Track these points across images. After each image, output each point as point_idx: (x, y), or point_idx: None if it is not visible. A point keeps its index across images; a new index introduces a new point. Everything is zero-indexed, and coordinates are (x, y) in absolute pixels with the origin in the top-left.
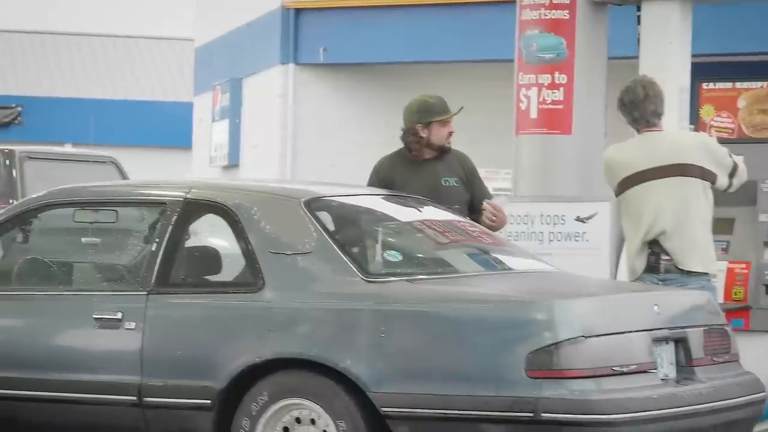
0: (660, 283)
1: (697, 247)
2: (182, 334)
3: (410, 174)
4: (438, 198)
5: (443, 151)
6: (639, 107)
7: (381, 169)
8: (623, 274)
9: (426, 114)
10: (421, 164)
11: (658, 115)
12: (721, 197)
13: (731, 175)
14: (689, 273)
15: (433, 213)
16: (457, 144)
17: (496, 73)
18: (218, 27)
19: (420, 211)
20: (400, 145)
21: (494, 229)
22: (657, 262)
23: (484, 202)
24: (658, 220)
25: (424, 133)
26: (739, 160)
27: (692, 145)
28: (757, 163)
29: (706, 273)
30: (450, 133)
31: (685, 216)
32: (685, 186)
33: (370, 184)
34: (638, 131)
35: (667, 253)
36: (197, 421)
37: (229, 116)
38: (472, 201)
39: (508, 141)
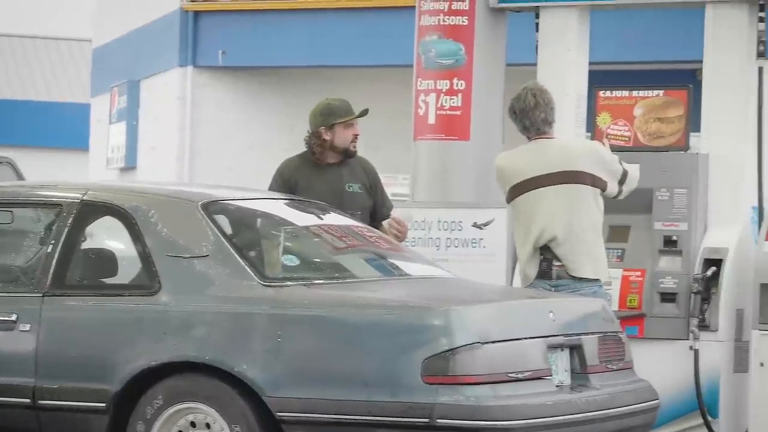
0: (552, 288)
1: (588, 254)
2: (77, 336)
3: (314, 177)
4: (341, 203)
5: (348, 156)
6: (529, 115)
7: (285, 170)
8: (519, 281)
9: (328, 116)
10: (325, 168)
11: (549, 122)
12: (616, 205)
13: (621, 182)
14: (581, 279)
15: (331, 218)
16: (357, 149)
17: (396, 78)
18: (116, 28)
19: (318, 215)
20: (303, 148)
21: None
22: (549, 268)
23: (389, 218)
24: (549, 227)
25: (327, 136)
26: (632, 167)
27: (582, 153)
28: (653, 172)
29: (598, 279)
30: (355, 136)
31: (576, 223)
32: (575, 193)
33: (274, 185)
34: (529, 139)
35: (558, 259)
36: (92, 424)
37: (126, 118)
38: (373, 208)
39: (407, 146)
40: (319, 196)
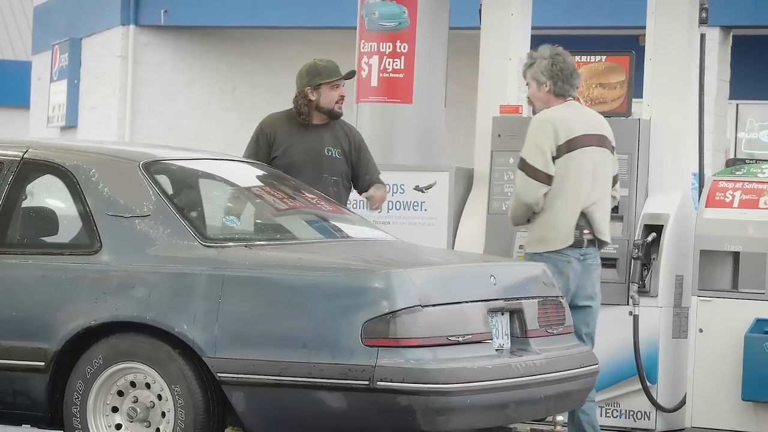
0: (580, 258)
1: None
2: (17, 295)
3: (295, 136)
4: (319, 166)
5: (333, 117)
6: (569, 78)
7: (266, 126)
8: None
9: (315, 77)
10: (308, 129)
11: (576, 89)
12: None
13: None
14: (599, 244)
15: (273, 179)
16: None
17: (340, 40)
18: None
19: (260, 177)
20: (242, 109)
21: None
22: (581, 237)
23: (374, 184)
24: (593, 189)
25: (313, 96)
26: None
27: (605, 121)
28: None
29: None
30: (341, 97)
31: (607, 187)
32: (606, 157)
33: (253, 140)
34: (563, 99)
35: (590, 226)
36: (31, 383)
37: (67, 76)
38: (356, 174)
39: (350, 108)
40: (297, 156)
